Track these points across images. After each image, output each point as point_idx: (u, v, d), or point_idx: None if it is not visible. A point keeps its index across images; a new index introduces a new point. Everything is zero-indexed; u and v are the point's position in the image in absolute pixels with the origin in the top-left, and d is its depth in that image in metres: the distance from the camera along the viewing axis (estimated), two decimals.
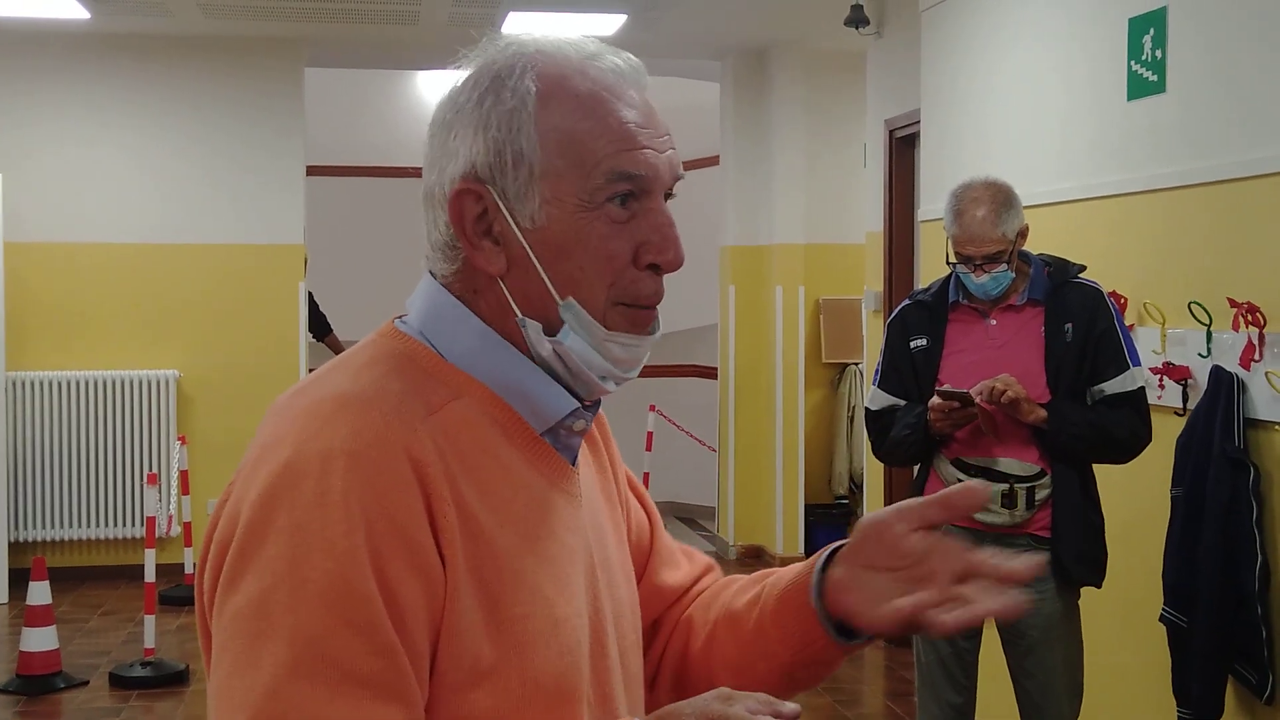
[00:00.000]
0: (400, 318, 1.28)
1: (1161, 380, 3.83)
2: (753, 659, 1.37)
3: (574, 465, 1.28)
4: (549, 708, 1.16)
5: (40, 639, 5.65)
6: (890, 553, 1.26)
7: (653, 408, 9.03)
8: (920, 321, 3.61)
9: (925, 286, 3.77)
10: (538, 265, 1.20)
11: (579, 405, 1.25)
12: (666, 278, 1.24)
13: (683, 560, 1.52)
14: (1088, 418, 3.40)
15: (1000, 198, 3.44)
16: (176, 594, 7.07)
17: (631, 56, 1.26)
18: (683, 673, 1.45)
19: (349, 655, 1.06)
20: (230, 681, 1.08)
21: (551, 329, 1.21)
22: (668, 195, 1.24)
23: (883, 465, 5.98)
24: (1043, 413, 3.36)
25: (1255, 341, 3.48)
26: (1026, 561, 1.22)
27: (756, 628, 1.36)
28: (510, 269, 1.21)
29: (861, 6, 6.38)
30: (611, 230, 1.20)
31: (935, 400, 3.41)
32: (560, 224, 1.19)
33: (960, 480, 3.47)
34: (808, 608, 1.31)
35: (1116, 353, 3.42)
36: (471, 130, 1.20)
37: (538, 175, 1.19)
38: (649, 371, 1.29)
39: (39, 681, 5.61)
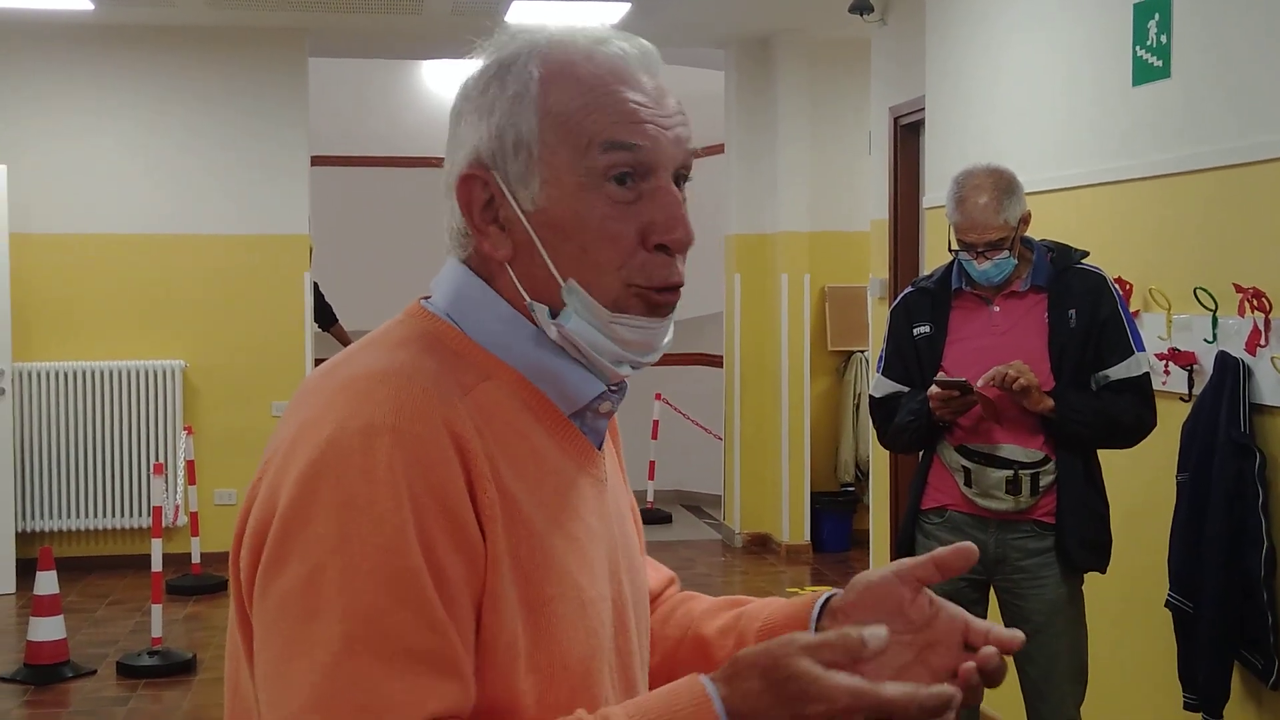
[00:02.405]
0: (425, 298, 1.28)
1: (1167, 366, 3.82)
2: None
3: (599, 449, 1.29)
4: (574, 689, 1.16)
5: (48, 629, 5.67)
6: (895, 616, 1.20)
7: (659, 396, 9.05)
8: (923, 309, 3.61)
9: (928, 274, 3.76)
10: (540, 247, 1.20)
11: (606, 388, 1.25)
12: None
13: (650, 568, 1.52)
14: (1093, 405, 3.39)
15: (1002, 184, 3.43)
16: (183, 583, 7.09)
17: (644, 42, 1.26)
18: None
19: (404, 631, 1.06)
20: (284, 663, 1.06)
21: (557, 312, 1.21)
22: (685, 179, 1.24)
23: (888, 452, 5.98)
24: (1050, 402, 3.36)
25: (1261, 327, 3.48)
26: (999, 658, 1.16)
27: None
28: (517, 254, 1.21)
29: None
30: (614, 211, 1.19)
31: (934, 389, 3.41)
32: (560, 204, 1.19)
33: (964, 467, 3.47)
34: None
35: (1120, 338, 3.41)
36: (477, 117, 1.21)
37: (537, 157, 1.19)
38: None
39: (47, 671, 5.62)
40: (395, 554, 1.07)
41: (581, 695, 1.16)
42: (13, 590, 7.05)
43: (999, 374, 3.34)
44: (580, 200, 1.19)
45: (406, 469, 1.09)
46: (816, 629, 1.25)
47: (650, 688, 1.35)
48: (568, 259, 1.20)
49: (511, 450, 1.17)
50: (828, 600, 1.28)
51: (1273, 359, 3.44)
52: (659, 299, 1.21)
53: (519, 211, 1.20)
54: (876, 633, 1.05)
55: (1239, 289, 3.52)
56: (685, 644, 1.41)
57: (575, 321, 1.20)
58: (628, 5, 6.86)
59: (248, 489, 1.17)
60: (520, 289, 1.22)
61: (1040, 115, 4.70)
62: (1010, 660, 3.58)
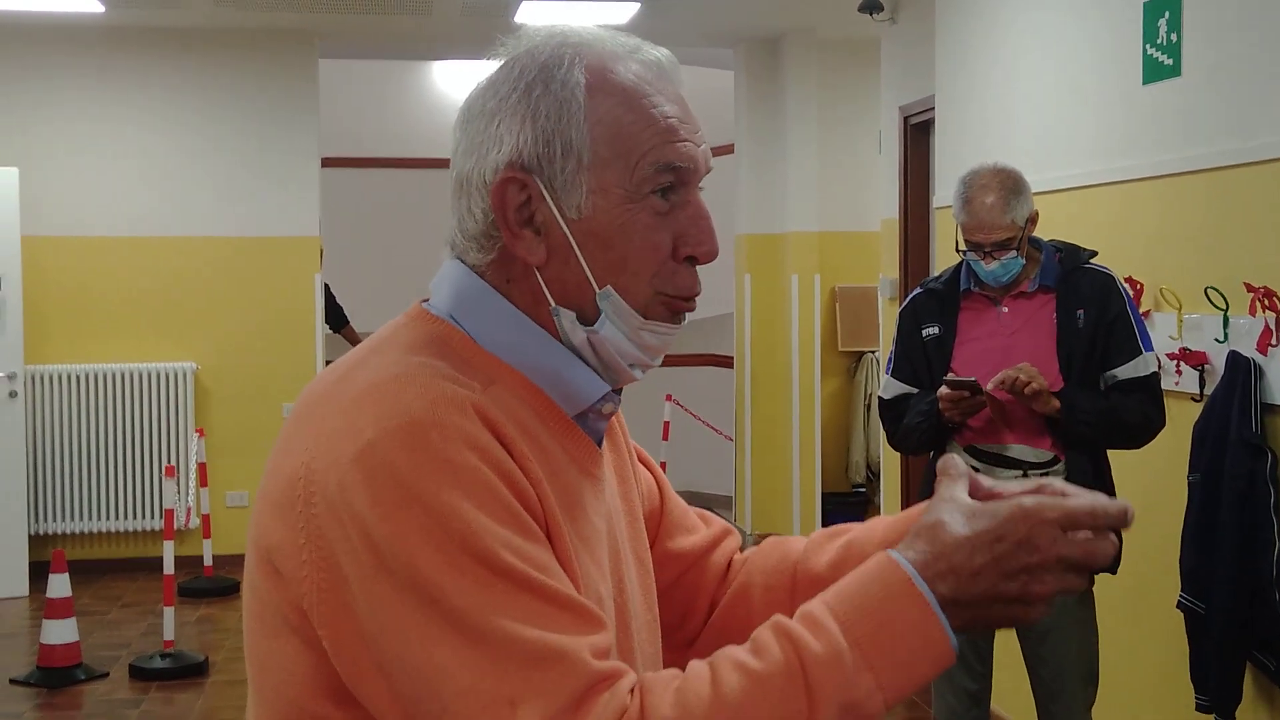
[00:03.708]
0: (426, 300, 1.28)
1: (1178, 366, 3.81)
2: None
3: (600, 449, 1.30)
4: None
5: (60, 631, 5.68)
6: None
7: (669, 397, 9.03)
8: (932, 309, 3.60)
9: (937, 275, 3.76)
10: (579, 255, 1.21)
11: (610, 389, 1.26)
12: None
13: (698, 524, 1.53)
14: (1100, 405, 3.38)
15: (1009, 184, 3.42)
16: (195, 586, 7.10)
17: (668, 51, 1.28)
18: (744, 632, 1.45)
19: (526, 592, 1.06)
20: (424, 659, 1.06)
21: (586, 318, 1.22)
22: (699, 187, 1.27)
23: (899, 453, 5.97)
24: (1057, 403, 3.35)
25: (1272, 326, 3.46)
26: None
27: None
28: (549, 259, 1.22)
29: None
30: (655, 222, 1.21)
31: (944, 390, 3.40)
32: (605, 215, 1.20)
33: (973, 468, 3.44)
34: None
35: (1129, 338, 3.40)
36: (519, 119, 1.21)
37: (586, 166, 1.20)
38: (665, 361, 1.30)
39: (59, 674, 5.64)
40: (475, 531, 1.07)
41: None
42: (25, 593, 7.06)
43: (1008, 378, 3.32)
44: (626, 212, 1.21)
45: (459, 454, 1.09)
46: None
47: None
48: (605, 267, 1.21)
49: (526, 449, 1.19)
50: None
51: None
52: (683, 305, 1.25)
53: (560, 218, 1.21)
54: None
55: (1250, 288, 3.51)
56: (800, 586, 1.41)
57: (609, 328, 1.22)
58: (637, 5, 6.85)
59: (272, 504, 1.15)
60: (547, 294, 1.23)
61: (1051, 114, 4.68)
62: (1022, 661, 3.55)
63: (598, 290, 1.21)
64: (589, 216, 1.20)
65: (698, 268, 1.26)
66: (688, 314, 1.27)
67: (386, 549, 1.07)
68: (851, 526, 1.43)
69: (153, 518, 7.59)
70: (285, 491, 1.14)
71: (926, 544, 1.09)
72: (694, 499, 10.34)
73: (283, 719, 1.18)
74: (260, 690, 1.21)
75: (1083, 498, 1.09)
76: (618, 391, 1.29)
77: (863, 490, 8.16)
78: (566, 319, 1.22)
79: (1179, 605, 3.62)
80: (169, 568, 5.79)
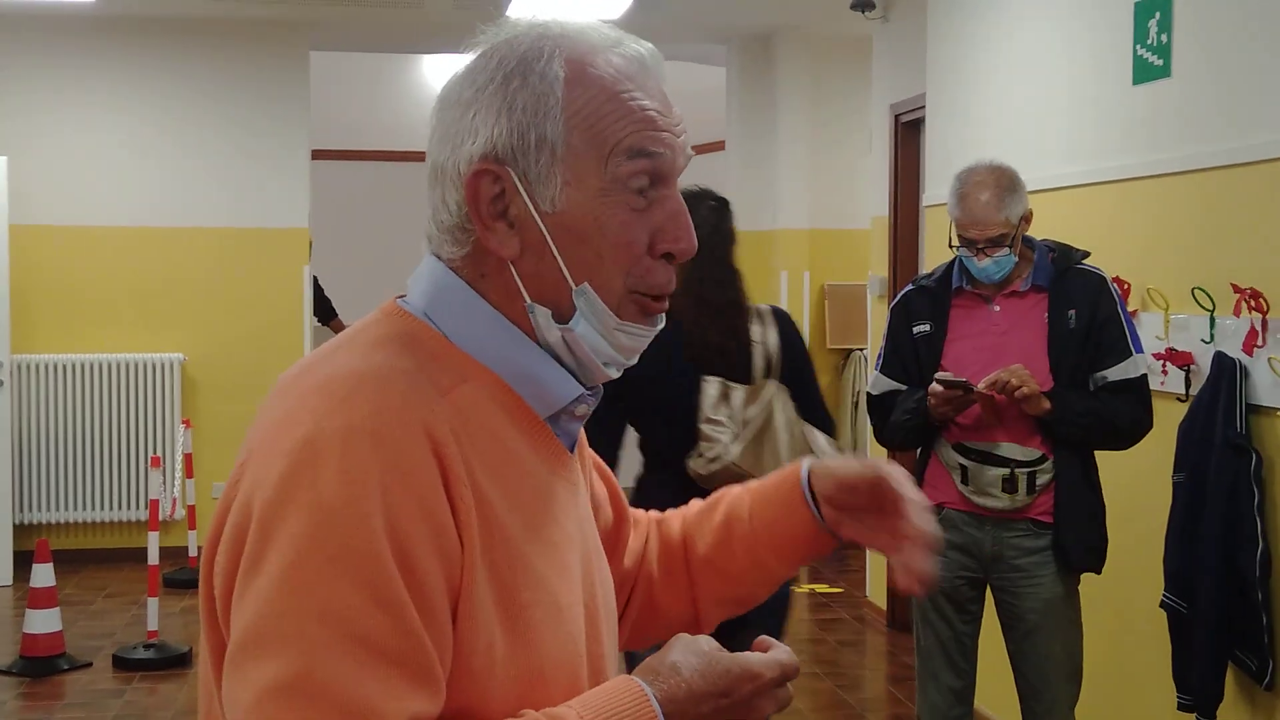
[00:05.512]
0: (401, 297, 1.26)
1: (1164, 366, 3.82)
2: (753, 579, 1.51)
3: (572, 452, 1.28)
4: (552, 696, 1.15)
5: (44, 621, 5.67)
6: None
7: None
8: (923, 307, 3.60)
9: (929, 272, 3.76)
10: (554, 250, 1.19)
11: (584, 390, 1.25)
12: None
13: (633, 529, 1.55)
14: (1090, 406, 3.39)
15: (1004, 181, 3.43)
16: (180, 577, 7.09)
17: (650, 45, 1.26)
18: (651, 622, 1.54)
19: (380, 635, 1.04)
20: (256, 662, 1.04)
21: (562, 315, 1.20)
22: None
23: (886, 450, 5.97)
24: (1048, 404, 3.35)
25: (1258, 327, 3.47)
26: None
27: (751, 562, 1.49)
28: (523, 253, 1.20)
29: None
30: (631, 218, 1.20)
31: (935, 388, 3.40)
32: (580, 208, 1.19)
33: (961, 465, 3.46)
34: (807, 520, 1.45)
35: (1119, 340, 3.41)
36: (495, 111, 1.19)
37: (560, 158, 1.18)
38: None
39: (42, 663, 5.63)
40: (371, 557, 1.05)
41: (558, 702, 1.15)
42: (9, 582, 7.05)
43: (999, 381, 3.33)
44: (601, 206, 1.19)
45: (384, 473, 1.08)
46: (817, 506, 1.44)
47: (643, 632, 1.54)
48: (581, 263, 1.19)
49: (488, 454, 1.16)
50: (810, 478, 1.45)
51: (1270, 359, 3.43)
52: (654, 306, 1.23)
53: (534, 211, 1.19)
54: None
55: (1237, 289, 3.52)
56: (693, 569, 1.51)
57: (584, 326, 1.20)
58: (630, 0, 6.84)
59: (225, 488, 1.16)
60: (522, 289, 1.21)
61: (1040, 114, 4.69)
62: (1006, 658, 3.57)
63: (574, 287, 1.19)
64: (563, 210, 1.18)
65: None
66: (662, 315, 1.25)
67: (275, 547, 1.06)
68: (723, 495, 1.51)
69: (138, 508, 7.58)
70: (231, 476, 1.16)
71: (665, 685, 1.15)
72: None
73: (205, 693, 1.19)
74: (204, 686, 1.21)
75: (779, 652, 1.20)
76: (592, 393, 1.27)
77: None
78: (542, 316, 1.20)
79: (1162, 605, 3.63)
80: (153, 558, 5.78)
